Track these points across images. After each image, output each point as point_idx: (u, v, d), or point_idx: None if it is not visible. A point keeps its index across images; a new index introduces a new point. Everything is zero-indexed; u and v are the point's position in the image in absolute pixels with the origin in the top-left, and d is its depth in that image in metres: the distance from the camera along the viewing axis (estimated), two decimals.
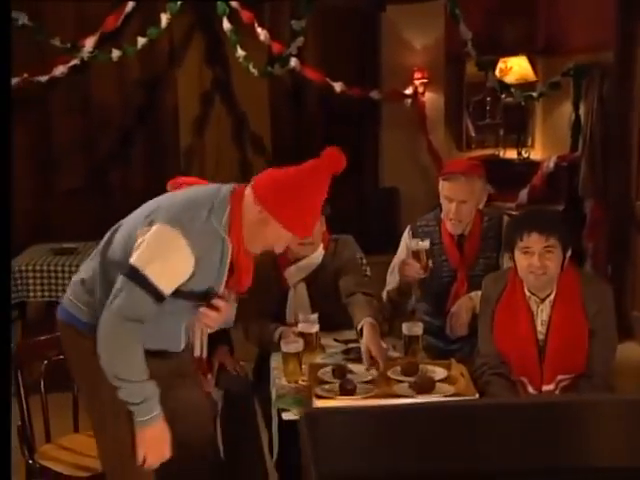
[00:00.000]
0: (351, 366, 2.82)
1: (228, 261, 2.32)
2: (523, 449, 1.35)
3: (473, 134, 7.18)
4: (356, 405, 2.36)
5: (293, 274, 3.32)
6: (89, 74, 6.58)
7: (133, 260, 2.23)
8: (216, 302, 2.34)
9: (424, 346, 3.27)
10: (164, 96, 6.91)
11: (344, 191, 6.96)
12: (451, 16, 5.95)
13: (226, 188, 2.36)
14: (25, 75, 6.21)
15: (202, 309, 2.34)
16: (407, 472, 1.04)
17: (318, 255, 3.33)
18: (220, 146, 7.38)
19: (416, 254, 3.24)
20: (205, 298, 2.35)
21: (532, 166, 6.52)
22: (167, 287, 2.23)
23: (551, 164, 6.04)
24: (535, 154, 7.03)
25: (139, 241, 2.26)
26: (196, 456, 2.57)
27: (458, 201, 3.32)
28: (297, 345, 2.76)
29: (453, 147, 7.14)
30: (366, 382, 2.66)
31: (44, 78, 6.24)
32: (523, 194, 6.11)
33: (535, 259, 2.75)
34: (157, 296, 2.22)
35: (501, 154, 7.07)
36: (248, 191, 2.33)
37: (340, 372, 2.74)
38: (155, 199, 2.44)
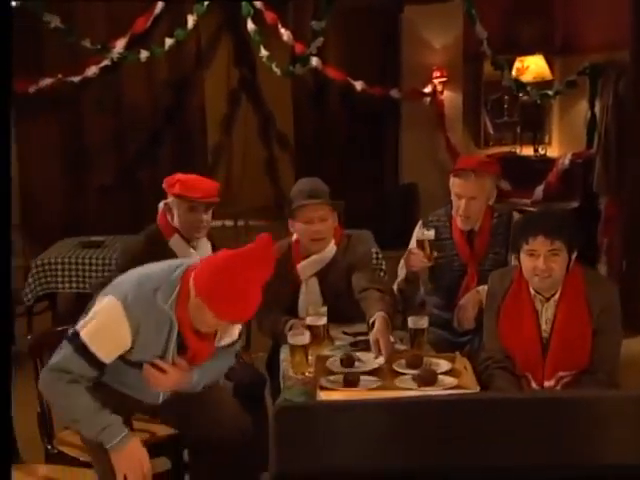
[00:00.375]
0: (359, 355, 2.78)
1: (174, 338, 2.35)
2: (528, 445, 1.29)
3: (491, 132, 7.12)
4: (336, 400, 2.32)
5: (305, 269, 3.28)
6: (119, 75, 6.63)
7: (78, 324, 2.35)
8: (159, 363, 2.37)
9: (434, 339, 3.23)
10: (191, 96, 6.94)
11: (365, 187, 6.96)
12: (467, 16, 5.89)
13: (182, 268, 2.36)
14: (59, 76, 6.26)
15: (145, 366, 2.38)
16: (371, 469, 1.00)
17: (330, 250, 3.28)
18: (247, 144, 7.39)
19: (420, 243, 3.20)
20: None
21: (549, 163, 6.44)
22: (102, 354, 2.31)
23: (566, 161, 5.96)
24: (552, 151, 6.94)
25: (91, 309, 2.38)
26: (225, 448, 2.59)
27: (468, 198, 3.26)
28: (303, 337, 2.73)
29: (471, 144, 7.09)
30: (370, 374, 2.62)
31: (77, 78, 6.30)
32: (539, 191, 6.03)
33: (540, 262, 2.68)
34: (91, 360, 2.31)
35: (518, 151, 6.99)
36: (193, 274, 2.30)
37: (348, 361, 2.70)
38: (126, 273, 2.48)
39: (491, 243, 3.34)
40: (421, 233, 3.23)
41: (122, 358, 2.38)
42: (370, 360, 2.74)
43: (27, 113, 6.66)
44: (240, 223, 5.61)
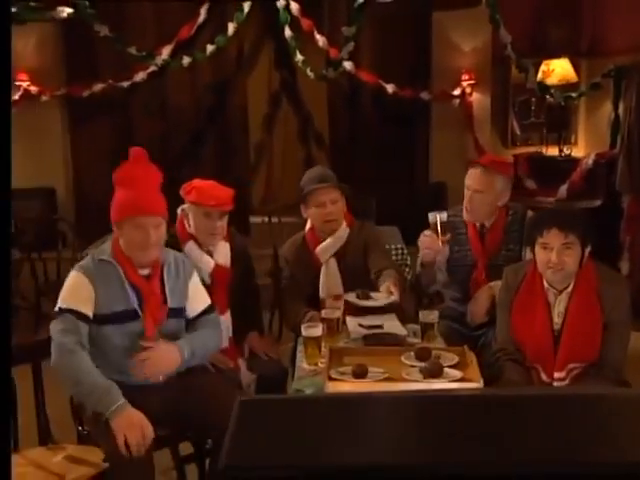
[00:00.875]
0: (373, 294, 3.05)
1: (124, 283, 2.60)
2: (540, 443, 1.20)
3: (518, 132, 6.97)
4: (296, 395, 2.26)
5: (323, 251, 3.34)
6: (165, 80, 6.66)
7: None
8: (143, 343, 2.56)
9: (449, 332, 3.17)
10: (233, 98, 6.93)
11: (397, 185, 6.86)
12: (491, 21, 5.75)
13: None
14: (110, 81, 6.34)
15: (134, 359, 2.54)
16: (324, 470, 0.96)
17: (343, 230, 3.34)
18: (287, 144, 7.37)
19: (434, 226, 3.14)
20: (128, 320, 2.58)
21: (573, 163, 6.27)
22: (80, 306, 2.54)
23: (590, 161, 5.79)
24: (578, 151, 6.76)
25: None
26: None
27: (473, 190, 3.22)
28: (315, 330, 2.69)
29: (499, 144, 6.95)
30: (379, 367, 2.56)
31: (126, 83, 6.36)
32: (563, 189, 5.88)
33: (554, 255, 2.63)
34: (76, 314, 2.53)
35: (544, 151, 6.83)
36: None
37: (364, 295, 3.02)
38: None
39: (504, 240, 3.26)
40: (433, 216, 3.15)
41: (99, 319, 2.56)
42: (383, 296, 2.96)
43: (81, 116, 6.76)
44: (274, 220, 5.60)
